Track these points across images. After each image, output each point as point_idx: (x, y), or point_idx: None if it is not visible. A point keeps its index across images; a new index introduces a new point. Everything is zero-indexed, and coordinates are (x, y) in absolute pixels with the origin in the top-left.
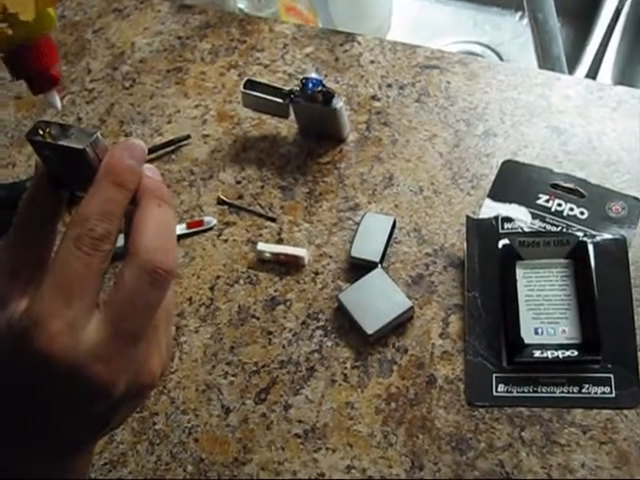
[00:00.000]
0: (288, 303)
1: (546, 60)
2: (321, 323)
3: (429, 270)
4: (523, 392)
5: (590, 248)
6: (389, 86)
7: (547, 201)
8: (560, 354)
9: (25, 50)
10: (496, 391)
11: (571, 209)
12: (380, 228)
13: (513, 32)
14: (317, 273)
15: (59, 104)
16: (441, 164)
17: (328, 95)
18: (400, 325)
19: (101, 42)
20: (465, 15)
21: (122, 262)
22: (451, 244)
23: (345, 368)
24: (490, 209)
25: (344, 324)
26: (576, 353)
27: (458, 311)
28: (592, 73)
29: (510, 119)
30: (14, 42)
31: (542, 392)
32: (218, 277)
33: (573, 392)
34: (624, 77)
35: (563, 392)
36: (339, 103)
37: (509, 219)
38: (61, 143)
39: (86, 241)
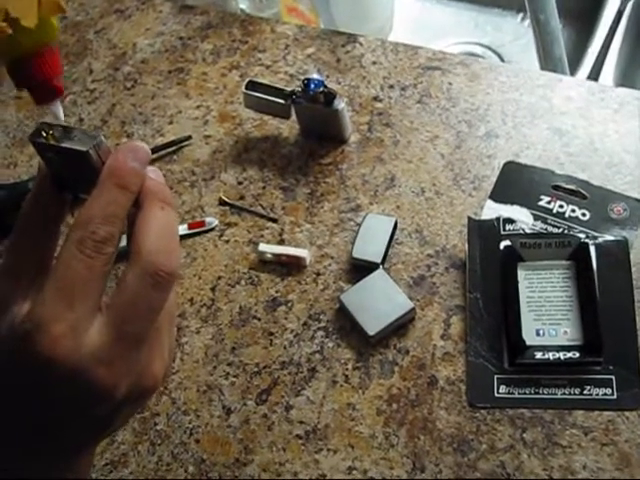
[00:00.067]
0: (289, 304)
1: (548, 61)
2: (322, 324)
3: (431, 271)
4: (524, 393)
5: (592, 250)
6: (391, 87)
7: (549, 202)
8: (561, 355)
9: (28, 59)
10: (497, 392)
11: (573, 210)
12: (382, 229)
13: (514, 33)
14: (318, 274)
15: (62, 115)
16: (443, 165)
17: (330, 96)
18: (401, 326)
19: (103, 42)
20: (466, 16)
21: (124, 262)
22: (453, 245)
23: (346, 369)
24: (492, 210)
25: (345, 325)
26: (578, 355)
27: (459, 312)
28: (594, 75)
29: (512, 120)
30: (17, 50)
31: (543, 393)
32: (219, 278)
33: (574, 394)
34: (626, 79)
35: (564, 394)
36: (341, 104)
37: (511, 220)
38: (64, 145)
39: (89, 244)
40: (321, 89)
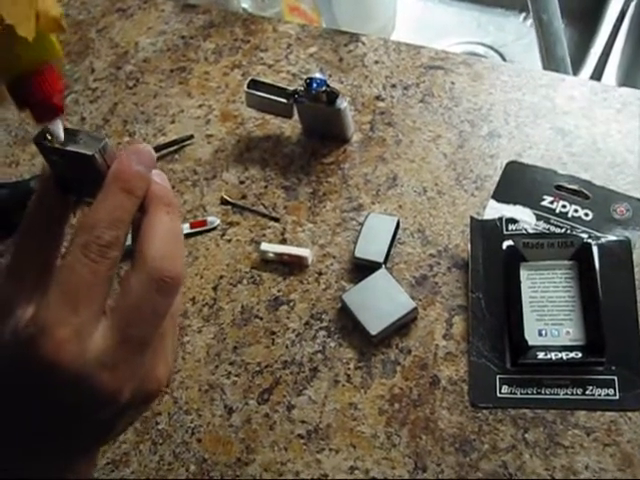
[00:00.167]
0: (291, 303)
1: (550, 61)
2: (324, 324)
3: (433, 271)
4: (527, 394)
5: (594, 250)
6: (393, 86)
7: (551, 202)
8: (564, 356)
9: (27, 77)
10: (500, 392)
11: (575, 210)
12: (384, 229)
13: (517, 33)
14: (321, 273)
15: (62, 134)
16: (445, 165)
17: (332, 95)
18: (404, 326)
19: (105, 41)
20: (469, 16)
21: (128, 261)
22: (455, 245)
23: (348, 369)
24: (494, 210)
25: (347, 325)
26: (580, 355)
27: (462, 312)
28: (596, 74)
29: (514, 120)
30: (16, 68)
31: (546, 394)
32: (221, 277)
33: (577, 394)
34: (628, 78)
35: (567, 394)
36: (343, 103)
37: (513, 220)
38: (69, 148)
39: (93, 248)
40: (323, 88)
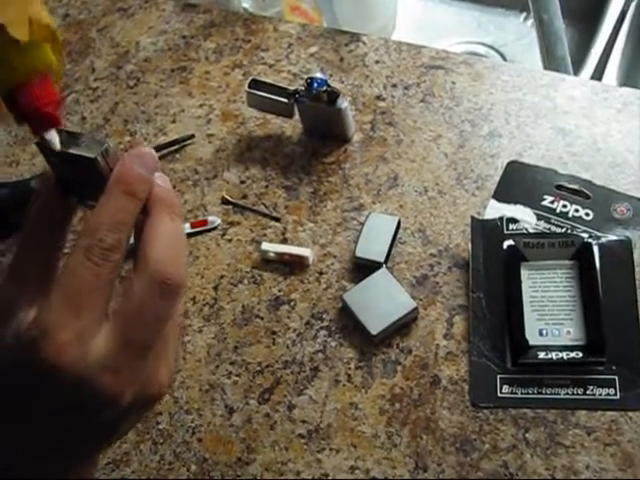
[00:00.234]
0: (292, 303)
1: (551, 61)
2: (325, 323)
3: (433, 271)
4: (527, 393)
5: (595, 249)
6: (394, 86)
7: (552, 202)
8: (565, 355)
9: (19, 88)
10: (500, 392)
11: (576, 210)
12: (385, 228)
13: (517, 33)
14: (321, 273)
15: (58, 145)
16: (446, 164)
17: (333, 95)
18: (404, 326)
19: (105, 41)
20: (469, 16)
21: (130, 260)
22: (456, 245)
23: (349, 368)
24: (495, 210)
25: (348, 324)
26: (581, 355)
27: (462, 312)
28: (597, 74)
29: (515, 120)
30: (10, 79)
31: (546, 393)
32: (222, 277)
33: (577, 394)
34: (629, 78)
35: (567, 394)
36: (344, 103)
37: (514, 220)
38: (71, 151)
39: (96, 251)
40: (324, 88)
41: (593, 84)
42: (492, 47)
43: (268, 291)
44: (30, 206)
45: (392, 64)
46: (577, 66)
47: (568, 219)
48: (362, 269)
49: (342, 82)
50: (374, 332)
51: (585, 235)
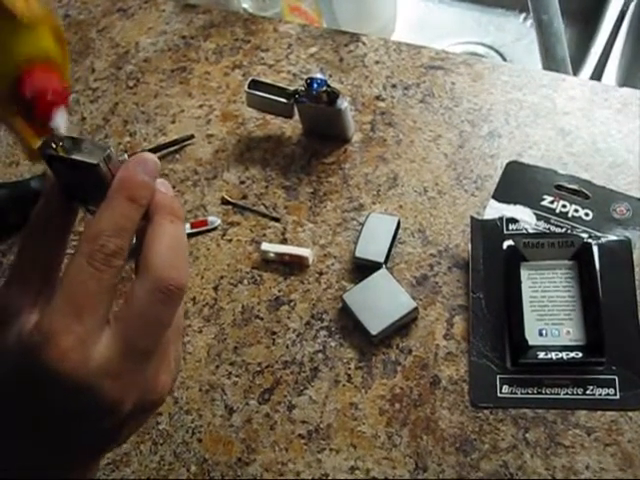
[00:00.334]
0: (292, 303)
1: (551, 62)
2: (325, 323)
3: (433, 271)
4: (527, 393)
5: (595, 249)
6: (394, 86)
7: (552, 202)
8: (564, 355)
9: (22, 78)
10: (500, 392)
11: (576, 210)
12: (384, 229)
13: (517, 33)
14: (321, 273)
15: (63, 127)
16: (446, 165)
17: (333, 95)
18: (404, 326)
19: (105, 41)
20: (469, 16)
21: (130, 262)
22: (455, 245)
23: (349, 369)
24: (494, 210)
25: (348, 325)
26: (580, 355)
27: (462, 312)
28: (597, 75)
29: (515, 120)
30: (10, 64)
31: (546, 393)
32: (222, 277)
33: (577, 394)
34: (629, 79)
35: (567, 394)
36: (344, 103)
37: (514, 220)
38: (74, 157)
39: (98, 257)
40: (324, 88)
41: (593, 84)
42: (492, 47)
43: (268, 291)
44: (33, 209)
45: (392, 64)
46: (576, 66)
47: (568, 219)
48: (362, 269)
49: (342, 82)
50: (374, 332)
51: (585, 235)
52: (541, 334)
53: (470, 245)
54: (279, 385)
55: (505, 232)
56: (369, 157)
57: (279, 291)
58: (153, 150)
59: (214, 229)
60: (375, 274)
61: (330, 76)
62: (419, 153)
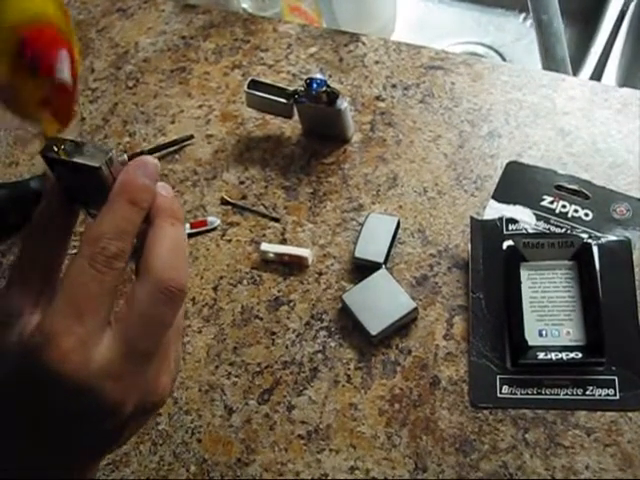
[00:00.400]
0: (292, 304)
1: (550, 62)
2: (325, 324)
3: (433, 271)
4: (527, 394)
5: (595, 250)
6: (393, 86)
7: (551, 202)
8: (564, 356)
9: (25, 39)
10: (500, 393)
11: (575, 211)
12: (384, 229)
13: (517, 33)
14: (321, 274)
15: (66, 72)
16: (445, 165)
17: (332, 95)
18: (404, 326)
19: (105, 41)
20: (469, 16)
21: (130, 262)
22: (455, 245)
23: (349, 369)
24: (494, 210)
25: (348, 325)
26: (580, 355)
27: (462, 312)
28: (597, 75)
29: (515, 120)
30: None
31: (546, 394)
32: (221, 277)
33: (577, 394)
34: (629, 79)
35: (567, 394)
36: (343, 103)
37: (513, 220)
38: (76, 160)
39: (99, 259)
40: (324, 88)
41: (593, 84)
42: (491, 47)
43: (267, 292)
44: (33, 209)
45: (391, 64)
46: (576, 66)
47: (567, 219)
48: (362, 269)
49: (341, 82)
50: (374, 332)
51: (585, 235)
52: (541, 334)
53: (470, 245)
54: (279, 385)
55: (505, 232)
56: (369, 157)
57: (279, 291)
58: (153, 150)
59: (214, 229)
60: (375, 274)
61: (330, 76)
62: (419, 153)
